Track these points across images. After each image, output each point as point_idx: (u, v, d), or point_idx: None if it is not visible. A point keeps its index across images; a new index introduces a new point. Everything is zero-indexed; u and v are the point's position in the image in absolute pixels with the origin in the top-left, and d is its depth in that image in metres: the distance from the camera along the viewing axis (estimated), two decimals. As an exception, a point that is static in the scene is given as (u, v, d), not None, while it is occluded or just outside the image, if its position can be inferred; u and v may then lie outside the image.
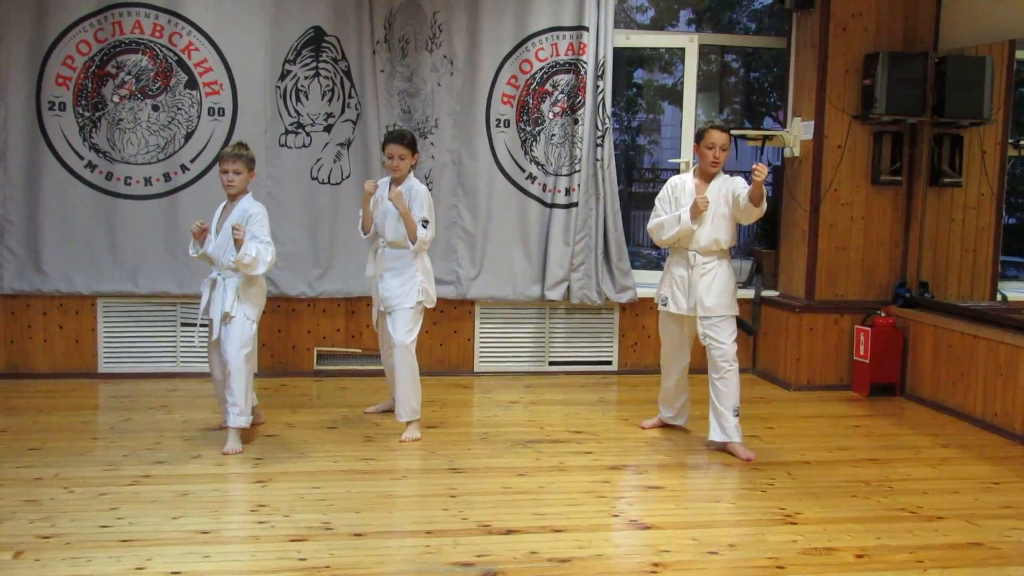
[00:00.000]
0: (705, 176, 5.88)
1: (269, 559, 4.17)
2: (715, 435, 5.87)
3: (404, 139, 5.99)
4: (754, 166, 5.49)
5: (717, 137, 5.79)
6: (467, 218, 7.66)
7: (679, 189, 5.92)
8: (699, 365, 6.94)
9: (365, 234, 6.18)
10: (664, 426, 6.44)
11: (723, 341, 5.84)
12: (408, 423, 6.03)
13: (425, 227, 5.93)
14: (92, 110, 7.24)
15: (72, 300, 7.40)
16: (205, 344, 5.88)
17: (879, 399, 7.43)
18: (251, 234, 5.56)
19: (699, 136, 5.89)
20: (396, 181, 6.01)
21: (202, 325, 5.79)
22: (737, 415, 5.83)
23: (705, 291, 5.82)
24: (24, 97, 7.17)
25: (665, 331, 6.19)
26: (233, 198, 5.74)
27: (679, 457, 5.82)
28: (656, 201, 6.01)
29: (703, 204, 5.71)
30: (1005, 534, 4.67)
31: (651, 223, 5.98)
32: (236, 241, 5.48)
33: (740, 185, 5.77)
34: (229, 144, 5.89)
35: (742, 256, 8.46)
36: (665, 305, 6.03)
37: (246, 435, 5.86)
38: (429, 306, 6.13)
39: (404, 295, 5.99)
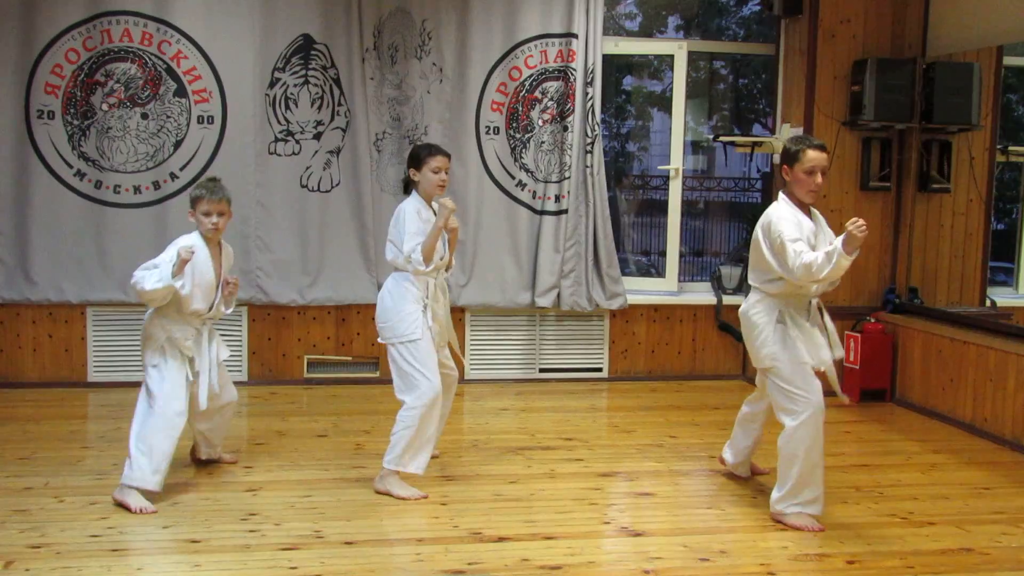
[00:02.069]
0: (802, 207, 4.83)
1: (260, 568, 4.16)
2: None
3: (446, 150, 5.31)
4: (850, 230, 4.41)
5: (818, 159, 4.71)
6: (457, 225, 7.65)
7: (800, 225, 4.74)
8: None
9: (428, 265, 5.10)
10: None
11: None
12: None
13: None
14: (81, 118, 7.23)
15: (61, 309, 7.38)
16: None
17: (869, 405, 7.44)
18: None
19: (792, 157, 4.76)
20: (429, 198, 5.22)
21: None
22: None
23: (832, 339, 4.97)
24: (12, 105, 7.15)
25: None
26: (212, 242, 5.12)
27: (670, 464, 5.82)
28: (789, 243, 4.60)
29: (860, 232, 4.39)
30: (996, 539, 4.68)
31: (800, 262, 4.55)
32: (231, 293, 5.17)
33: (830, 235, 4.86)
34: (206, 181, 5.16)
35: (732, 263, 8.47)
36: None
37: (231, 442, 5.87)
38: None
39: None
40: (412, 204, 5.19)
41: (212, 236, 5.08)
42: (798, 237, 4.66)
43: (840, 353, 4.97)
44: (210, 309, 5.09)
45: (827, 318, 4.98)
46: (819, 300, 4.95)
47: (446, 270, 5.41)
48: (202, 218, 5.02)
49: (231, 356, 7.38)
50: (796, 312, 4.87)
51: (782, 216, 4.75)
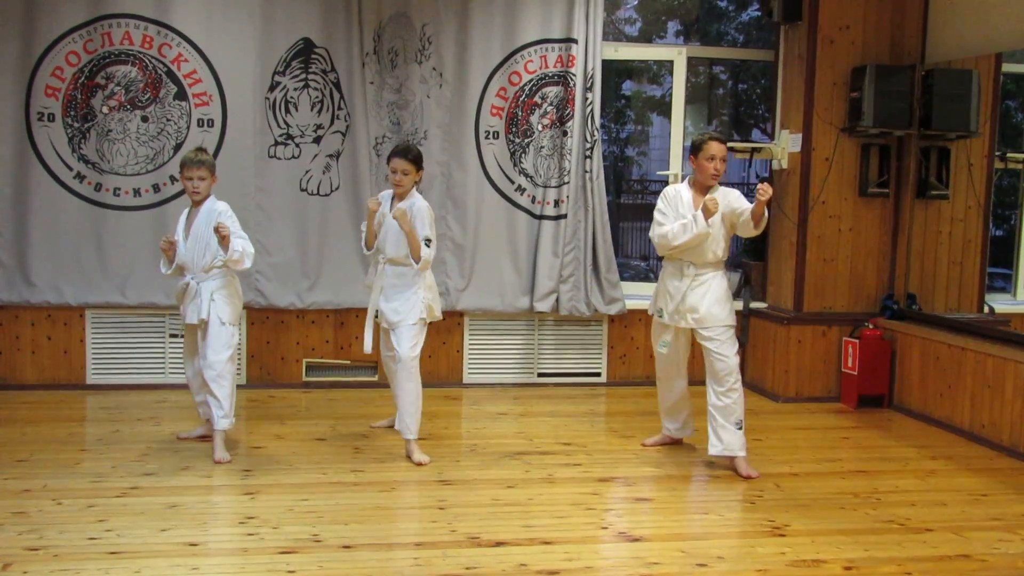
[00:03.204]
0: (701, 188, 5.78)
1: (258, 571, 4.16)
2: (715, 449, 5.78)
3: (409, 154, 5.83)
4: (760, 186, 5.46)
5: (717, 149, 5.69)
6: (456, 230, 7.66)
7: (676, 200, 5.82)
8: (697, 376, 6.93)
9: (368, 250, 6.03)
10: (669, 443, 6.33)
11: (726, 354, 5.76)
12: (410, 440, 5.89)
13: (428, 246, 5.75)
14: (81, 121, 7.23)
15: (60, 311, 7.38)
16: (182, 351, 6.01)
17: (867, 411, 7.45)
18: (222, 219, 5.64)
19: (696, 148, 5.77)
20: (399, 196, 5.86)
21: (178, 335, 5.98)
22: (740, 428, 5.76)
23: (698, 301, 5.75)
24: (13, 108, 7.16)
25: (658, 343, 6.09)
26: (198, 204, 5.77)
27: (668, 469, 5.83)
28: (656, 213, 5.88)
29: (714, 205, 5.56)
30: (993, 546, 4.69)
31: (656, 232, 5.84)
32: (223, 239, 5.52)
33: (736, 198, 5.74)
34: (189, 151, 5.85)
35: (730, 268, 8.47)
36: (660, 317, 5.95)
37: (230, 445, 5.88)
38: (433, 320, 6.03)
39: (407, 312, 5.83)
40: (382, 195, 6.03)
41: (193, 198, 5.79)
42: (664, 211, 5.80)
43: (699, 317, 5.82)
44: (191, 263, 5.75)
45: (712, 289, 5.81)
46: (699, 268, 5.81)
47: (416, 261, 5.78)
48: (185, 183, 5.76)
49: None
50: (671, 274, 5.89)
51: (663, 194, 5.92)
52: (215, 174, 5.79)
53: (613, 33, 8.78)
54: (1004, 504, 5.33)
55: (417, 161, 5.86)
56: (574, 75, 7.65)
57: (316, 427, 6.56)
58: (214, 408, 5.69)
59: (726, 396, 5.75)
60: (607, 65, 8.07)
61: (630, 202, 10.33)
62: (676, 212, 5.78)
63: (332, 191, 7.54)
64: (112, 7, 7.18)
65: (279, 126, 7.44)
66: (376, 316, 5.97)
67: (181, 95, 7.32)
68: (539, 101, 7.72)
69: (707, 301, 5.77)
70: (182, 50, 7.29)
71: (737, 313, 7.94)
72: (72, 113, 7.22)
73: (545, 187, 7.78)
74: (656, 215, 5.87)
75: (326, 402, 7.29)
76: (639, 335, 8.06)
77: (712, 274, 5.80)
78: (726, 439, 5.75)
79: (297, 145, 7.47)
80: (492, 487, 5.38)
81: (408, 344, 5.84)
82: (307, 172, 7.50)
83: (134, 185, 7.34)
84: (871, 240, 7.69)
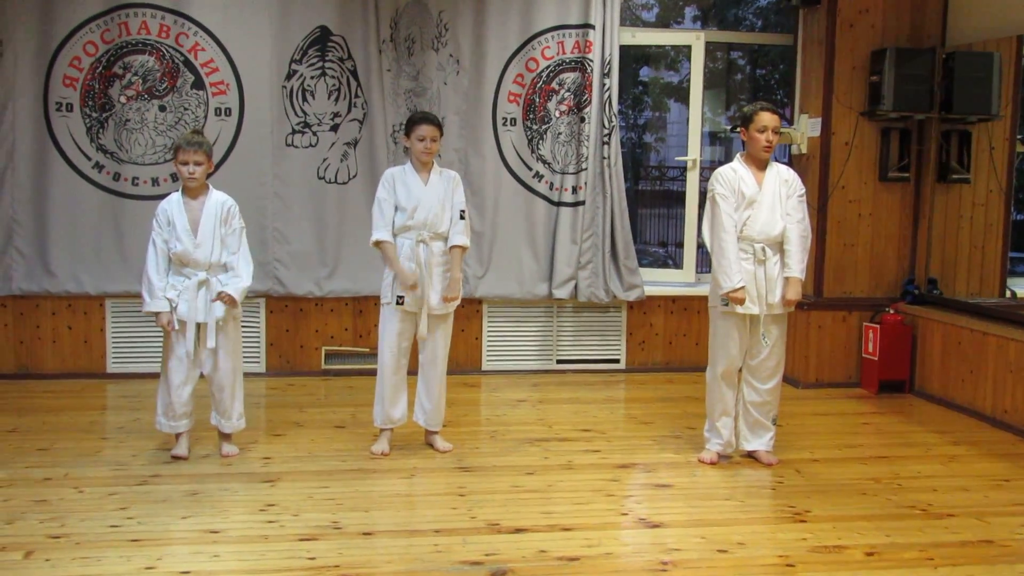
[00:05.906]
0: (757, 163, 5.47)
1: (278, 558, 4.17)
2: (755, 445, 5.70)
3: (436, 119, 5.58)
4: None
5: (769, 119, 5.37)
6: (474, 217, 7.64)
7: (737, 180, 5.43)
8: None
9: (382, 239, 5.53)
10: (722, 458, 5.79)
11: (783, 341, 5.63)
12: (439, 431, 5.89)
13: (464, 218, 5.60)
14: (99, 111, 7.25)
15: (80, 300, 7.42)
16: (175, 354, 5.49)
17: (888, 396, 7.41)
18: (233, 234, 5.44)
19: (747, 119, 5.43)
20: (425, 165, 5.55)
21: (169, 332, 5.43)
22: (775, 423, 5.72)
23: (775, 286, 5.47)
24: (32, 98, 7.19)
25: (728, 339, 5.58)
26: (195, 192, 5.41)
27: (688, 455, 5.81)
28: (717, 196, 5.45)
29: (739, 303, 5.37)
30: (1015, 531, 4.66)
31: (717, 237, 5.44)
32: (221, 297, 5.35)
33: (797, 185, 5.53)
34: (185, 134, 5.51)
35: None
36: (727, 305, 5.48)
37: (251, 434, 5.89)
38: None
39: (457, 297, 5.66)
40: (389, 175, 5.59)
41: (188, 184, 5.37)
42: (726, 196, 5.41)
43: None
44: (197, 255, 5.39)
45: (780, 271, 5.56)
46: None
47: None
48: (180, 167, 5.34)
49: (249, 347, 7.42)
50: (743, 257, 5.48)
51: (720, 176, 5.49)
52: (212, 159, 5.46)
53: (630, 18, 8.74)
54: (1027, 489, 5.31)
55: (441, 126, 5.65)
56: (591, 61, 7.63)
57: (335, 415, 6.57)
58: (234, 408, 5.60)
59: (771, 393, 5.63)
60: (624, 51, 8.03)
61: (648, 188, 10.29)
62: (740, 194, 5.42)
63: (350, 179, 7.54)
64: (129, -4, 7.20)
65: (296, 114, 7.44)
66: (399, 303, 5.53)
67: (198, 84, 7.33)
68: (556, 87, 7.70)
69: (780, 285, 5.50)
70: (199, 39, 7.29)
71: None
72: (90, 103, 7.24)
73: (563, 173, 7.76)
74: (717, 198, 5.44)
75: (345, 390, 7.30)
76: (658, 321, 8.04)
77: (777, 255, 5.52)
78: (764, 436, 5.68)
79: (314, 133, 7.48)
80: (511, 474, 5.38)
81: (450, 336, 5.78)
82: (324, 160, 7.50)
83: (152, 174, 7.35)
84: (891, 225, 7.65)
